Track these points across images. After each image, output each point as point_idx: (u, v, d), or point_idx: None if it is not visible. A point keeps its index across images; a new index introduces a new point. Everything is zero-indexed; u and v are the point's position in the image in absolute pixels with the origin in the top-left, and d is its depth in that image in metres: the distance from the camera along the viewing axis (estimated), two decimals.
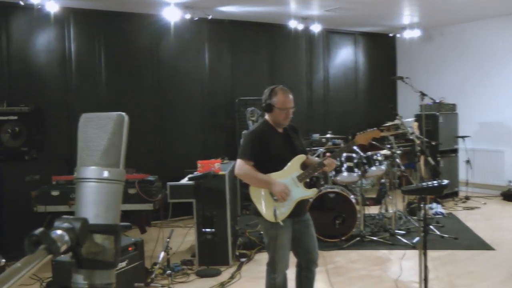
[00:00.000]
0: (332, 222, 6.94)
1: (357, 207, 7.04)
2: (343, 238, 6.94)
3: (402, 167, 7.76)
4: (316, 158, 4.63)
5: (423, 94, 7.54)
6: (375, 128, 4.52)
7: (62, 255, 1.18)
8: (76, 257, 1.23)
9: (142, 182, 5.97)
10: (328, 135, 8.62)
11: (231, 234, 6.22)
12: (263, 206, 4.11)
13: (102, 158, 1.33)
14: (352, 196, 7.14)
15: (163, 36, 9.02)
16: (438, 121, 9.56)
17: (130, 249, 4.91)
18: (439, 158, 9.35)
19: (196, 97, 9.40)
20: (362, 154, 7.36)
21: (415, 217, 7.81)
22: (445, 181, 4.21)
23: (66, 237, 1.15)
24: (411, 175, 8.89)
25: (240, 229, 7.45)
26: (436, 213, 8.42)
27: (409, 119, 8.18)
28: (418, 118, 8.59)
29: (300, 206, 4.20)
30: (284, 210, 4.09)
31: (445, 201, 9.37)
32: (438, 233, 7.18)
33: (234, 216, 6.77)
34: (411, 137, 7.15)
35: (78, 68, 8.23)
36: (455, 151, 9.91)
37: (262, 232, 7.15)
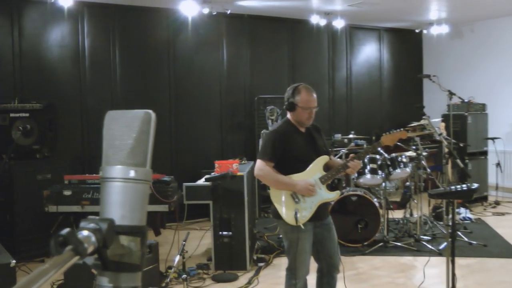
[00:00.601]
0: (354, 226, 6.90)
1: (381, 211, 6.99)
2: (365, 243, 6.90)
3: (428, 170, 7.70)
4: (339, 160, 4.61)
5: (451, 93, 7.47)
6: (401, 129, 4.49)
7: (88, 257, 1.17)
8: (102, 259, 1.23)
9: (157, 183, 5.97)
10: (351, 136, 8.56)
11: (249, 237, 6.21)
12: (284, 209, 4.10)
13: (128, 157, 1.33)
14: (375, 200, 7.10)
15: (180, 31, 9.04)
16: (466, 122, 9.48)
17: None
18: (467, 161, 9.25)
19: (213, 95, 9.41)
20: (386, 155, 7.31)
21: (441, 222, 7.74)
22: (475, 185, 4.16)
23: (93, 238, 1.15)
24: (437, 178, 8.83)
25: (258, 233, 7.44)
26: (464, 219, 8.34)
27: (436, 120, 8.09)
28: (445, 118, 8.51)
29: (322, 209, 4.18)
30: (306, 213, 4.07)
31: (473, 206, 9.27)
32: (466, 239, 7.11)
33: (252, 219, 6.76)
34: (438, 138, 7.08)
35: (92, 64, 8.28)
36: (485, 153, 9.81)
37: (281, 236, 7.16)
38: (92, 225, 1.17)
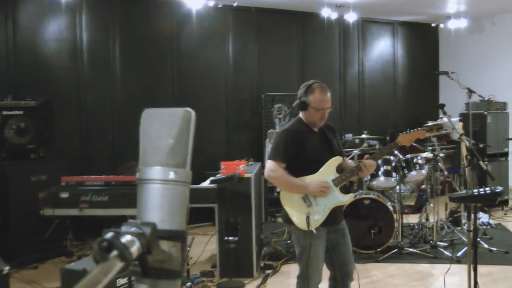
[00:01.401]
0: (367, 231, 6.86)
1: (395, 216, 6.95)
2: (379, 249, 6.85)
3: (445, 172, 7.65)
4: (351, 161, 4.57)
5: (470, 91, 7.42)
6: (419, 128, 4.44)
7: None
8: (143, 265, 1.21)
9: None
10: (364, 135, 8.53)
11: (256, 243, 6.18)
12: (295, 213, 4.06)
13: (168, 157, 1.32)
14: (389, 203, 7.06)
15: (184, 25, 9.01)
16: (486, 121, 9.43)
17: None
18: (486, 163, 9.19)
19: (219, 92, 9.38)
20: (401, 156, 7.27)
21: (459, 228, 7.70)
22: (499, 188, 4.12)
23: (137, 243, 1.13)
24: (454, 181, 8.78)
25: (265, 238, 7.41)
26: (484, 224, 8.27)
27: (453, 119, 8.04)
28: (463, 117, 8.46)
29: (335, 213, 4.15)
30: (318, 217, 4.04)
31: (493, 210, 9.20)
32: (486, 246, 7.05)
33: (259, 223, 6.73)
34: (457, 139, 7.03)
35: (90, 59, 8.25)
36: (506, 154, 9.76)
37: (289, 241, 7.14)
38: (134, 229, 1.16)
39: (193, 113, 1.39)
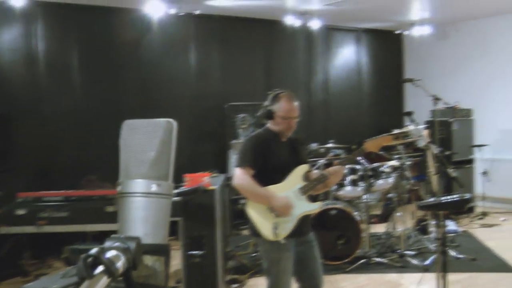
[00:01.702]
0: (334, 242, 6.89)
1: (362, 225, 6.99)
2: (346, 260, 6.88)
3: (412, 180, 7.73)
4: (317, 171, 4.59)
5: (436, 98, 7.50)
6: (386, 134, 4.48)
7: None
8: (127, 281, 1.19)
9: None
10: (330, 145, 8.55)
11: (222, 257, 6.14)
12: (262, 223, 4.05)
13: (151, 169, 1.31)
14: (356, 213, 7.09)
15: (145, 34, 8.96)
16: (452, 129, 9.57)
17: None
18: (452, 170, 9.30)
19: (182, 102, 9.34)
20: (367, 165, 7.31)
21: (426, 236, 7.77)
22: (468, 195, 4.19)
23: (123, 258, 1.11)
24: (421, 189, 8.88)
25: (230, 251, 7.38)
26: (450, 231, 8.36)
27: (420, 126, 8.13)
28: (429, 125, 8.56)
29: (304, 222, 4.15)
30: (287, 226, 4.03)
31: (459, 218, 9.32)
32: (453, 253, 7.13)
33: (224, 236, 6.70)
34: (423, 147, 7.11)
35: (48, 69, 8.14)
36: (471, 161, 9.91)
37: (255, 254, 7.12)
38: (118, 244, 1.14)
39: (174, 123, 1.39)
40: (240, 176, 4.04)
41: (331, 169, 4.17)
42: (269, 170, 4.09)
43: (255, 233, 4.10)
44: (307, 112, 10.86)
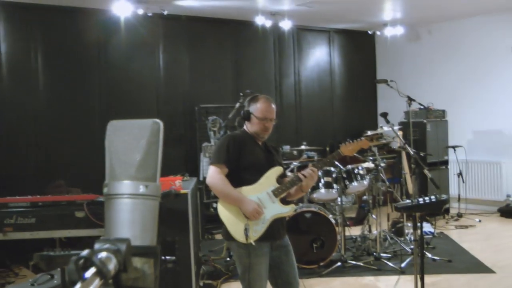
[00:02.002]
0: (309, 245, 6.91)
1: (337, 229, 7.03)
2: (321, 263, 6.91)
3: (387, 182, 7.80)
4: (291, 174, 4.61)
5: (410, 99, 7.61)
6: (362, 138, 4.52)
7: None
8: (117, 284, 1.18)
9: (92, 204, 5.85)
10: (303, 147, 8.59)
11: (195, 262, 6.13)
12: (233, 225, 4.06)
13: (138, 171, 1.30)
14: (330, 216, 7.13)
15: (111, 34, 8.91)
16: (426, 130, 9.67)
17: None
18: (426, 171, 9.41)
19: (150, 104, 9.31)
20: (342, 167, 7.35)
21: (401, 238, 7.85)
22: (444, 196, 4.24)
23: (114, 260, 1.11)
24: (395, 191, 8.96)
25: (203, 256, 7.37)
26: (426, 233, 8.46)
27: (395, 127, 8.25)
28: (403, 126, 8.66)
29: (277, 225, 4.16)
30: (258, 229, 4.03)
31: (434, 219, 9.37)
32: (429, 255, 7.21)
33: (197, 241, 6.69)
34: (397, 148, 7.19)
35: (10, 72, 8.05)
36: (445, 163, 10.03)
37: (228, 259, 7.13)
38: (108, 246, 1.13)
39: (161, 124, 1.39)
40: (213, 174, 4.07)
41: (305, 172, 4.19)
42: (243, 170, 4.11)
43: (228, 237, 4.11)
44: (279, 115, 10.83)
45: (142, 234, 1.28)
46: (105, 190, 1.32)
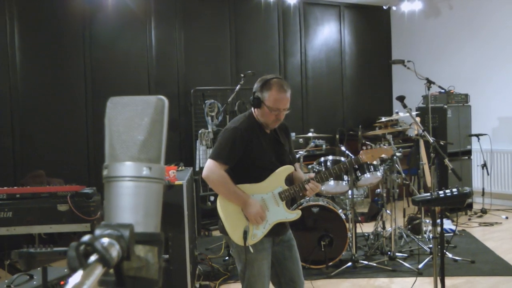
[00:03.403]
0: (317, 243, 6.91)
1: (347, 225, 7.03)
2: (330, 263, 6.92)
3: (403, 174, 7.81)
4: (301, 173, 4.60)
5: (429, 82, 7.59)
6: (386, 145, 4.54)
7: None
8: (118, 273, 1.20)
9: (76, 196, 5.87)
10: (310, 134, 8.59)
11: (190, 261, 6.16)
12: (231, 225, 4.09)
13: (141, 151, 1.32)
14: (340, 211, 7.14)
15: (97, 8, 8.87)
16: (446, 116, 9.63)
17: (62, 283, 4.82)
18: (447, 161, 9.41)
19: (140, 86, 9.29)
20: (353, 157, 7.35)
21: (419, 236, 7.87)
22: (467, 189, 4.24)
23: (117, 246, 1.13)
24: (412, 183, 8.98)
25: (200, 255, 7.40)
26: (446, 231, 8.47)
27: (412, 113, 8.25)
28: (421, 112, 8.66)
29: (281, 224, 4.20)
30: (258, 233, 4.07)
31: (455, 215, 9.39)
32: (450, 255, 7.22)
33: (192, 238, 6.71)
34: (415, 136, 7.18)
35: None
36: (468, 153, 10.00)
37: (227, 258, 7.16)
38: (110, 231, 1.15)
39: (166, 101, 1.40)
40: (212, 168, 4.06)
41: (311, 184, 4.18)
42: (247, 165, 4.11)
43: (225, 231, 4.14)
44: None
45: (145, 220, 1.30)
46: (104, 172, 1.34)
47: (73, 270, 1.05)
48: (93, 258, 1.07)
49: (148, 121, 1.35)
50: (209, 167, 4.08)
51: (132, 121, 1.35)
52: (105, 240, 1.13)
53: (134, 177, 1.31)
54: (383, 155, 4.58)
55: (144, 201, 1.31)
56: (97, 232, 1.16)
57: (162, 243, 1.31)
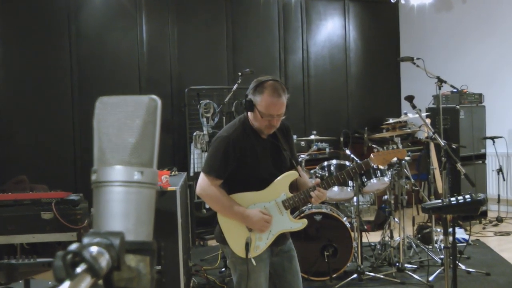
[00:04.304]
0: (319, 254, 6.90)
1: (353, 234, 7.02)
2: (334, 275, 6.90)
3: (412, 179, 7.79)
4: (306, 178, 4.58)
5: (440, 81, 7.58)
6: (400, 147, 4.52)
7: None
8: (108, 285, 1.19)
9: (62, 203, 5.86)
10: (313, 137, 8.58)
11: (184, 272, 6.15)
12: (232, 236, 4.08)
13: (132, 154, 1.31)
14: (345, 219, 7.13)
15: (84, 2, 8.88)
16: (458, 117, 9.62)
17: None
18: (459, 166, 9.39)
19: (130, 85, 9.29)
20: (358, 161, 7.35)
21: (429, 246, 7.85)
22: (481, 195, 4.22)
23: (107, 256, 1.11)
24: (422, 189, 8.97)
25: (194, 266, 7.38)
26: (459, 240, 8.45)
27: (422, 114, 8.24)
28: (431, 113, 8.64)
29: (281, 233, 4.18)
30: (260, 244, 4.06)
31: (468, 224, 9.32)
32: (463, 267, 7.21)
33: (186, 248, 6.70)
34: (425, 139, 7.16)
35: None
36: (482, 156, 9.98)
37: (223, 270, 7.14)
38: (100, 240, 1.14)
39: (159, 101, 1.39)
40: (204, 185, 4.04)
41: (317, 192, 4.15)
42: (242, 175, 4.09)
43: (223, 240, 4.12)
44: (288, 100, 10.87)
45: (136, 228, 1.28)
46: (93, 177, 1.33)
47: (59, 281, 1.04)
48: (81, 268, 1.06)
49: (140, 122, 1.34)
50: (201, 184, 4.06)
51: (122, 122, 1.34)
52: (94, 249, 1.12)
53: (125, 182, 1.30)
54: (395, 158, 4.55)
55: (135, 207, 1.30)
56: (85, 240, 1.15)
57: (155, 253, 1.30)
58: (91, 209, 6.16)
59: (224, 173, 4.02)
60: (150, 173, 1.33)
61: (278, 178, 4.13)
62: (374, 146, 7.51)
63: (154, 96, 1.39)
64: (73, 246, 1.08)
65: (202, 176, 4.07)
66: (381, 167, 7.31)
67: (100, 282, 1.16)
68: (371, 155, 4.46)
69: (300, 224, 4.21)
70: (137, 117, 1.34)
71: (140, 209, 1.30)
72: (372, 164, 4.47)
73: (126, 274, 1.23)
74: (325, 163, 7.45)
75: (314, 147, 8.58)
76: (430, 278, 6.83)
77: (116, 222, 1.28)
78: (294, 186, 4.24)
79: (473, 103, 9.88)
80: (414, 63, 7.51)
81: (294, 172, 4.22)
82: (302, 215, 6.87)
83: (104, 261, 1.11)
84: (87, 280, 1.05)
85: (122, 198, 1.29)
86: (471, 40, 11.11)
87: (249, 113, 4.15)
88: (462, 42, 11.24)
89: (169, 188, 6.02)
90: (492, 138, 9.85)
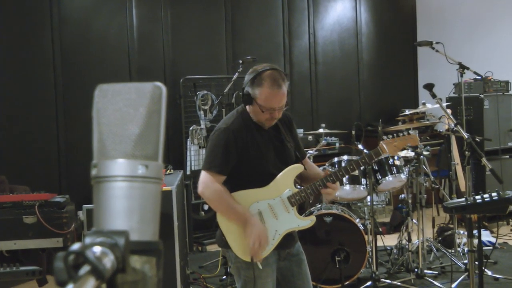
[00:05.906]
0: (330, 259, 6.91)
1: (366, 237, 7.04)
2: (346, 283, 6.92)
3: (432, 177, 7.79)
4: (315, 168, 4.59)
5: (462, 67, 7.58)
6: (410, 132, 4.52)
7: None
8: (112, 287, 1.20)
9: (46, 206, 5.87)
10: (321, 130, 8.58)
11: (181, 280, 6.17)
12: (236, 239, 4.08)
13: (136, 146, 1.31)
14: (358, 220, 7.14)
15: None
16: (483, 107, 9.60)
17: None
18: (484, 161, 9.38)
19: (119, 75, 9.26)
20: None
21: (451, 250, 7.85)
22: (510, 193, 4.22)
23: (111, 256, 1.12)
24: (443, 188, 8.97)
25: (192, 274, 7.40)
26: (485, 244, 8.45)
27: (443, 104, 8.23)
28: (452, 102, 8.64)
29: (288, 234, 4.20)
30: (266, 246, 4.07)
31: (494, 226, 9.35)
32: (489, 273, 7.20)
33: (184, 254, 6.72)
34: (445, 132, 7.16)
35: None
36: (510, 150, 9.96)
37: (224, 277, 7.15)
38: (104, 239, 1.15)
39: (164, 88, 1.39)
40: (206, 182, 4.04)
41: (328, 189, 4.17)
42: (243, 172, 4.11)
43: (225, 244, 4.14)
44: (289, 88, 10.87)
45: (141, 227, 1.29)
46: (93, 171, 1.33)
47: (61, 284, 1.05)
48: (84, 270, 1.07)
49: (144, 111, 1.34)
50: (203, 181, 4.06)
51: (125, 112, 1.34)
52: (98, 249, 1.13)
53: (128, 176, 1.31)
54: (408, 144, 4.55)
55: (140, 204, 1.31)
56: (88, 240, 1.16)
57: (161, 253, 1.31)
58: (78, 212, 6.19)
59: (227, 168, 4.03)
60: (155, 167, 1.34)
61: (281, 173, 4.15)
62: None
63: (159, 83, 1.39)
64: (75, 246, 1.09)
65: (203, 174, 4.07)
66: (397, 163, 7.32)
67: (103, 285, 1.17)
68: (381, 143, 4.46)
69: (308, 222, 4.24)
70: (140, 106, 1.35)
71: (144, 206, 1.31)
72: (382, 153, 4.45)
73: (131, 276, 1.24)
74: (335, 159, 7.43)
75: (323, 141, 8.60)
76: (453, 286, 6.83)
77: (119, 220, 1.28)
78: (304, 180, 4.25)
79: (499, 91, 9.83)
80: (433, 48, 7.52)
81: (299, 165, 4.23)
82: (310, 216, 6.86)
83: (109, 262, 1.12)
84: (91, 283, 1.06)
85: (125, 194, 1.30)
86: (496, 22, 11.09)
87: (247, 106, 4.17)
88: (487, 24, 11.22)
89: (164, 188, 6.03)
90: None
